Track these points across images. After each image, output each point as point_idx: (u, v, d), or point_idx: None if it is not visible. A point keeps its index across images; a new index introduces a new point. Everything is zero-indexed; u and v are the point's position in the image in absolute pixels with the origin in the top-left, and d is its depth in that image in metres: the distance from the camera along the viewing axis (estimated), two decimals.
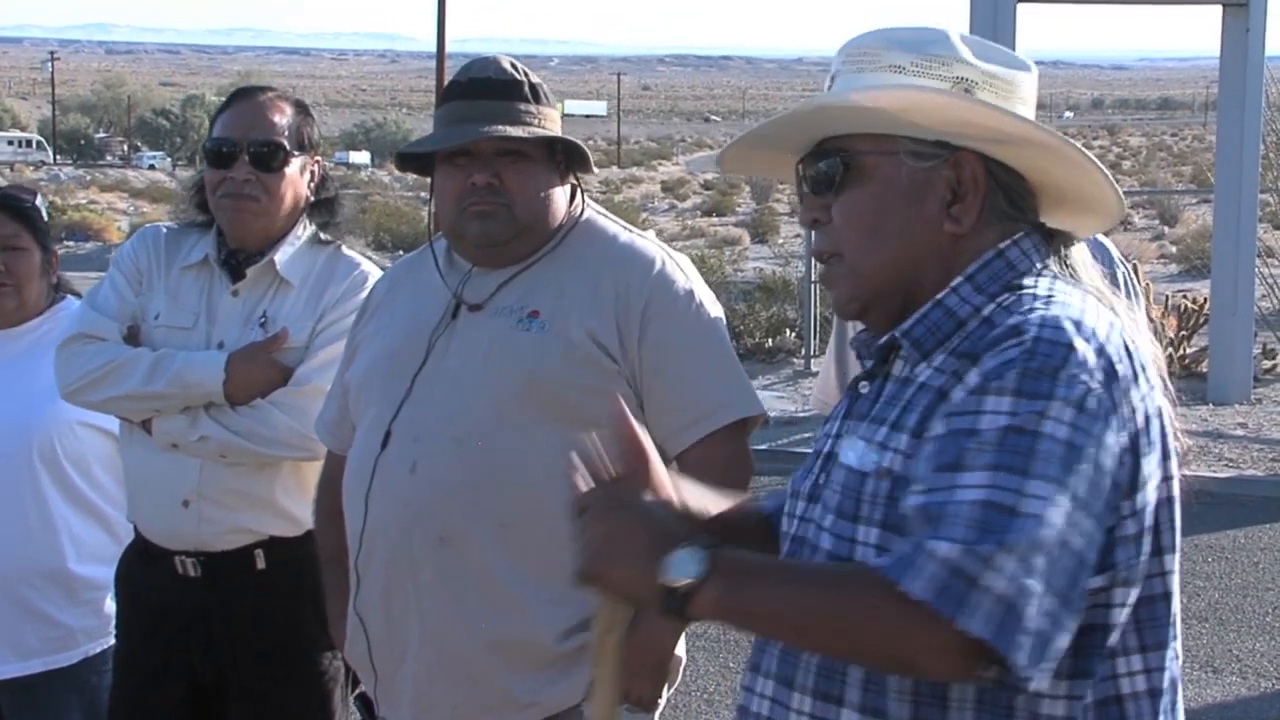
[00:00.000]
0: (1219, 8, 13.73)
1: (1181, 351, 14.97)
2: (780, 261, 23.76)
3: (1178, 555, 2.10)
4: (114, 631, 3.82)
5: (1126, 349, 2.00)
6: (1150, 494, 2.00)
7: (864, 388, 2.16)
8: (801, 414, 13.05)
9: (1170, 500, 2.06)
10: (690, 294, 3.07)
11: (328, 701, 3.62)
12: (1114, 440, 1.92)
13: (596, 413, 3.00)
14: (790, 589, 1.91)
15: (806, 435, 12.11)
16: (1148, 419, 1.99)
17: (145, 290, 3.68)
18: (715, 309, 3.12)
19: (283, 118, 3.62)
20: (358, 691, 3.40)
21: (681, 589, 1.89)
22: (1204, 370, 14.36)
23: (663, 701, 3.11)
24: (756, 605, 1.90)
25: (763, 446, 10.86)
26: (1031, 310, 1.99)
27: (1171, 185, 51.62)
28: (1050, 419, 1.87)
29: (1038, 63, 2.25)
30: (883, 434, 2.03)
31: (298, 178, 3.64)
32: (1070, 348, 1.92)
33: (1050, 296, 2.03)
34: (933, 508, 1.85)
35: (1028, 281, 2.08)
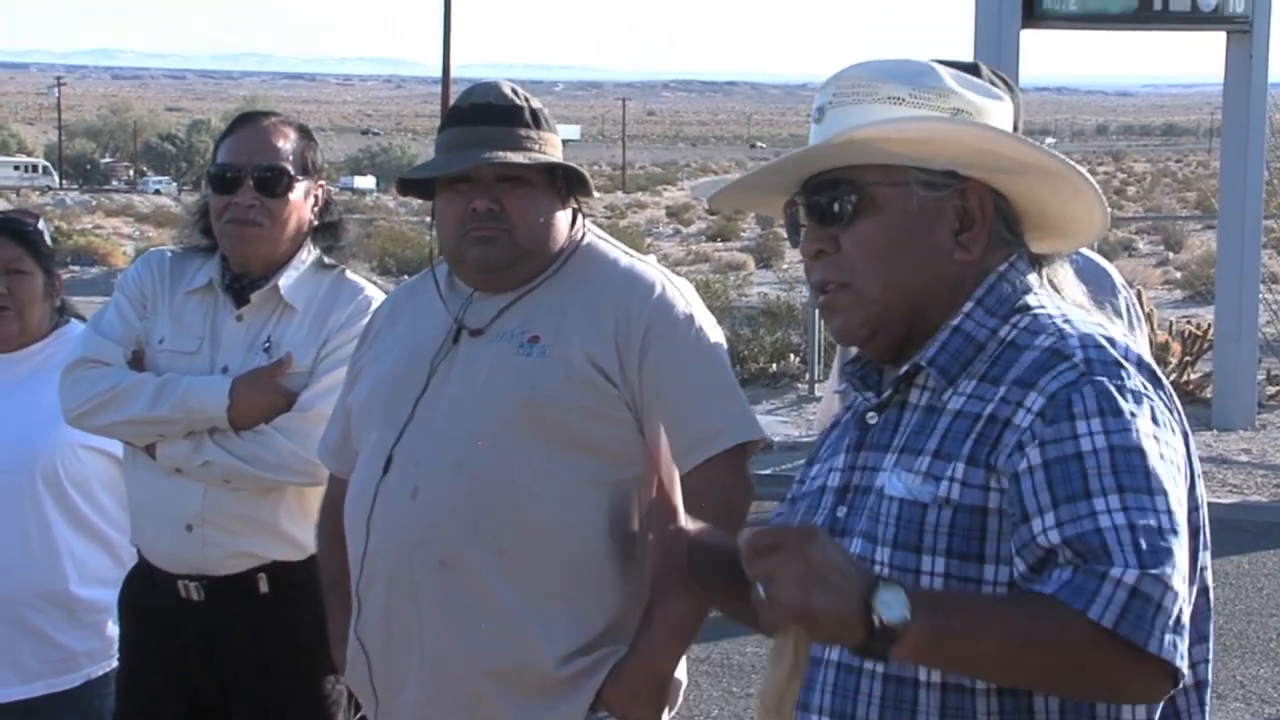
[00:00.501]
0: (1223, 34, 13.76)
1: (1186, 377, 14.96)
2: (785, 286, 23.75)
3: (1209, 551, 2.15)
4: (116, 654, 3.83)
5: (1148, 356, 2.08)
6: (1197, 493, 2.07)
7: (874, 419, 2.17)
8: (805, 439, 13.04)
9: (1202, 499, 2.12)
10: (690, 318, 3.08)
11: None
12: (1180, 445, 2.02)
13: (597, 437, 3.02)
14: (990, 626, 1.89)
15: None
16: (1183, 422, 2.07)
17: (150, 315, 3.69)
18: (715, 333, 3.13)
19: (286, 143, 3.64)
20: (359, 715, 3.40)
21: (892, 628, 1.84)
22: (1208, 396, 14.35)
23: None
24: (961, 646, 1.88)
25: (766, 471, 10.86)
26: (1059, 331, 2.06)
27: (1176, 211, 51.64)
28: (1139, 433, 1.95)
29: (1041, 89, 2.29)
30: (927, 463, 2.05)
31: (301, 202, 3.65)
32: (1119, 364, 2.01)
33: (1065, 316, 2.10)
34: (1085, 537, 1.90)
35: (1031, 301, 2.13)
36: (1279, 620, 8.09)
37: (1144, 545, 1.87)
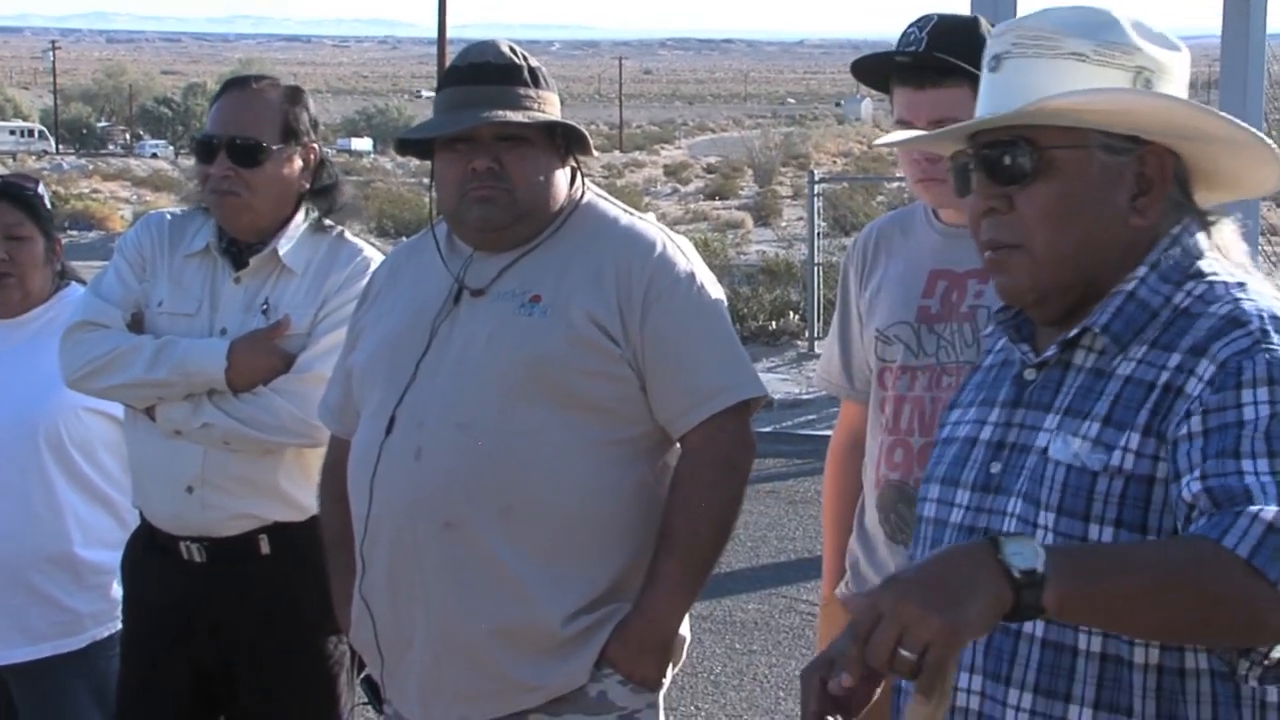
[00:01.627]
0: None
1: None
2: (784, 244, 23.74)
3: None
4: (120, 616, 3.84)
5: None
6: None
7: (1032, 375, 2.15)
8: (805, 396, 13.06)
9: None
10: (691, 276, 3.08)
11: (334, 685, 3.64)
12: None
13: (599, 396, 3.02)
14: (1132, 563, 1.85)
15: (810, 417, 12.13)
16: None
17: (149, 277, 3.69)
18: (716, 291, 3.12)
19: (269, 110, 3.61)
20: (364, 675, 3.42)
21: (1033, 573, 1.77)
22: None
23: (667, 681, 3.12)
24: (1107, 585, 1.82)
25: (767, 429, 10.88)
26: (1236, 300, 2.03)
27: None
28: None
29: None
30: (1096, 430, 2.03)
31: (283, 169, 3.62)
32: None
33: (1243, 284, 2.07)
34: (1228, 488, 1.86)
35: (1206, 268, 2.10)
36: None
37: None
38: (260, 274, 3.63)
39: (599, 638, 3.02)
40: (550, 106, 3.09)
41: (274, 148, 3.60)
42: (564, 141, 3.12)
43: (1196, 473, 1.90)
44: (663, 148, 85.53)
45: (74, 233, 33.31)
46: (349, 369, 3.27)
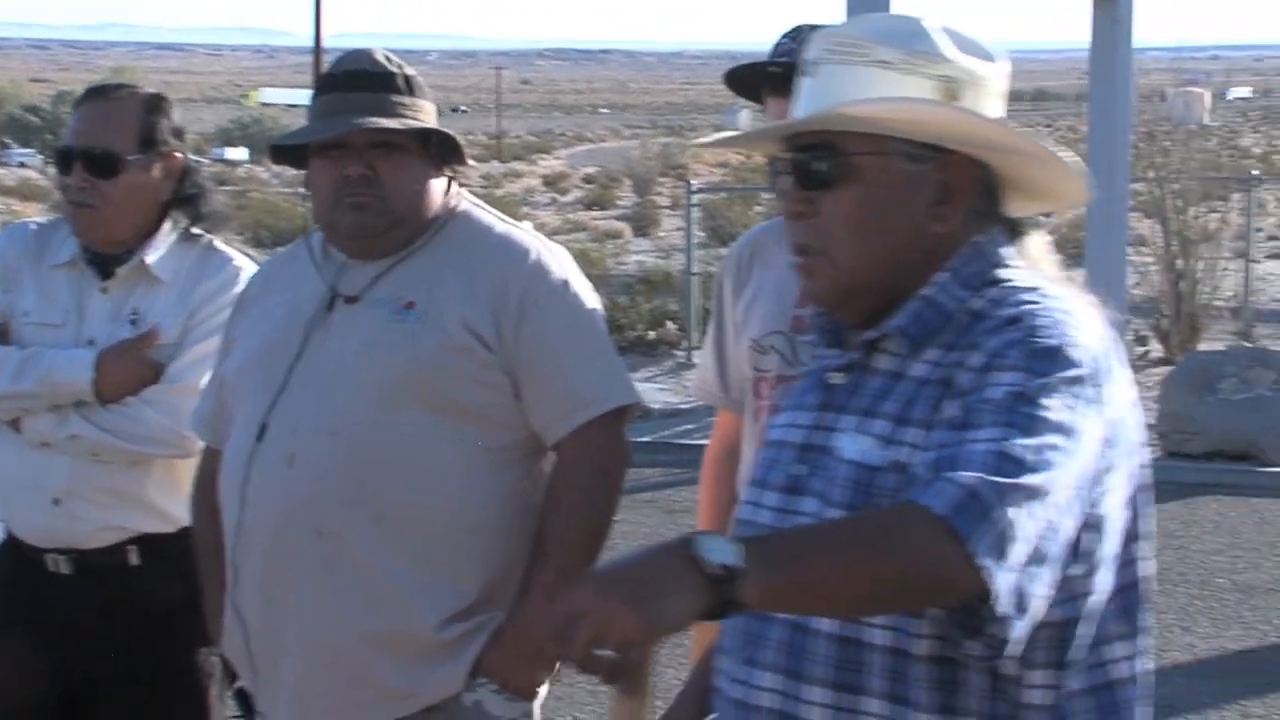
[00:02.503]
0: None
1: None
2: (662, 254, 23.81)
3: (1150, 543, 2.15)
4: None
5: (1111, 343, 2.07)
6: (1120, 484, 2.05)
7: (837, 379, 2.18)
8: (684, 405, 13.10)
9: (1141, 489, 2.12)
10: (566, 284, 3.08)
11: (203, 698, 3.60)
12: (1097, 429, 1.98)
13: (473, 403, 3.02)
14: (832, 538, 1.87)
15: (689, 427, 12.17)
16: (1123, 412, 2.06)
17: (14, 288, 3.64)
18: (592, 299, 3.13)
19: (126, 119, 3.56)
20: (237, 686, 3.38)
21: (732, 570, 1.77)
22: None
23: (543, 691, 3.11)
24: (807, 567, 1.82)
25: (645, 438, 10.90)
26: (1024, 302, 2.06)
27: None
28: (1054, 395, 1.94)
29: None
30: (884, 428, 2.06)
31: (142, 180, 3.57)
32: (1067, 336, 2.00)
33: (1036, 288, 2.10)
34: (946, 459, 1.89)
35: (1005, 275, 2.14)
36: (1157, 573, 8.24)
37: (996, 464, 1.86)
38: (128, 284, 3.58)
39: (473, 646, 3.01)
40: (425, 115, 3.09)
41: (130, 157, 3.54)
42: (439, 150, 3.12)
43: (933, 447, 1.94)
44: (541, 158, 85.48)
45: None
46: (221, 378, 3.23)
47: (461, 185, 3.21)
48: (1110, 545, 2.05)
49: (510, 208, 31.61)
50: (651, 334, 16.49)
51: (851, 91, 2.11)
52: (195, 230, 3.66)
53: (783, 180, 2.19)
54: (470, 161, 3.22)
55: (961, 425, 1.93)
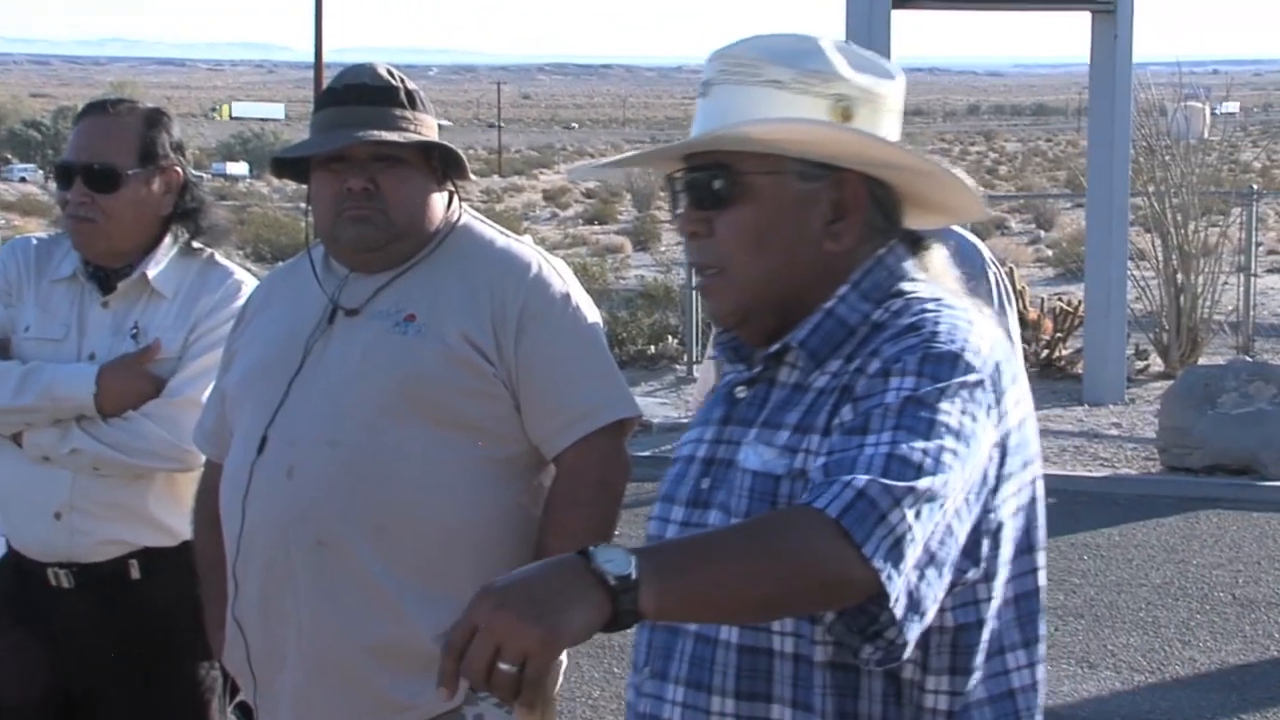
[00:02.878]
0: (1088, 14, 13.98)
1: (1057, 353, 15.21)
2: (662, 269, 23.78)
3: (1044, 554, 2.17)
4: None
5: (1007, 356, 2.09)
6: (1015, 492, 2.07)
7: (742, 393, 2.19)
8: (684, 419, 13.09)
9: (1035, 500, 2.13)
10: (566, 297, 3.09)
11: (204, 711, 3.60)
12: (991, 435, 2.00)
13: (474, 415, 3.02)
14: (716, 547, 1.86)
15: None
16: (1020, 421, 2.07)
17: (15, 303, 3.65)
18: (591, 313, 3.14)
19: (125, 134, 3.57)
20: (238, 700, 3.38)
21: (631, 579, 1.78)
22: (1079, 371, 14.61)
23: None
24: (702, 575, 1.82)
25: (645, 453, 10.89)
26: (924, 311, 2.08)
27: (1047, 190, 52.34)
28: (947, 399, 1.95)
29: (913, 70, 2.32)
30: (786, 437, 2.07)
31: (143, 194, 3.58)
32: (965, 343, 2.02)
33: (938, 299, 2.12)
34: (838, 462, 1.90)
35: (907, 287, 2.15)
36: (1148, 590, 8.26)
37: (891, 467, 1.86)
38: (129, 298, 3.59)
39: None
40: (426, 128, 3.10)
41: (130, 172, 3.55)
42: (440, 164, 3.12)
43: (825, 451, 1.95)
44: (542, 172, 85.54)
45: None
46: (222, 391, 3.24)
47: (463, 199, 3.22)
48: (1006, 553, 2.07)
49: (511, 222, 31.62)
50: (652, 348, 16.48)
51: (745, 111, 2.12)
52: (196, 244, 3.66)
53: (678, 199, 2.20)
54: (471, 176, 3.23)
55: (855, 430, 1.94)
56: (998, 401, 2.02)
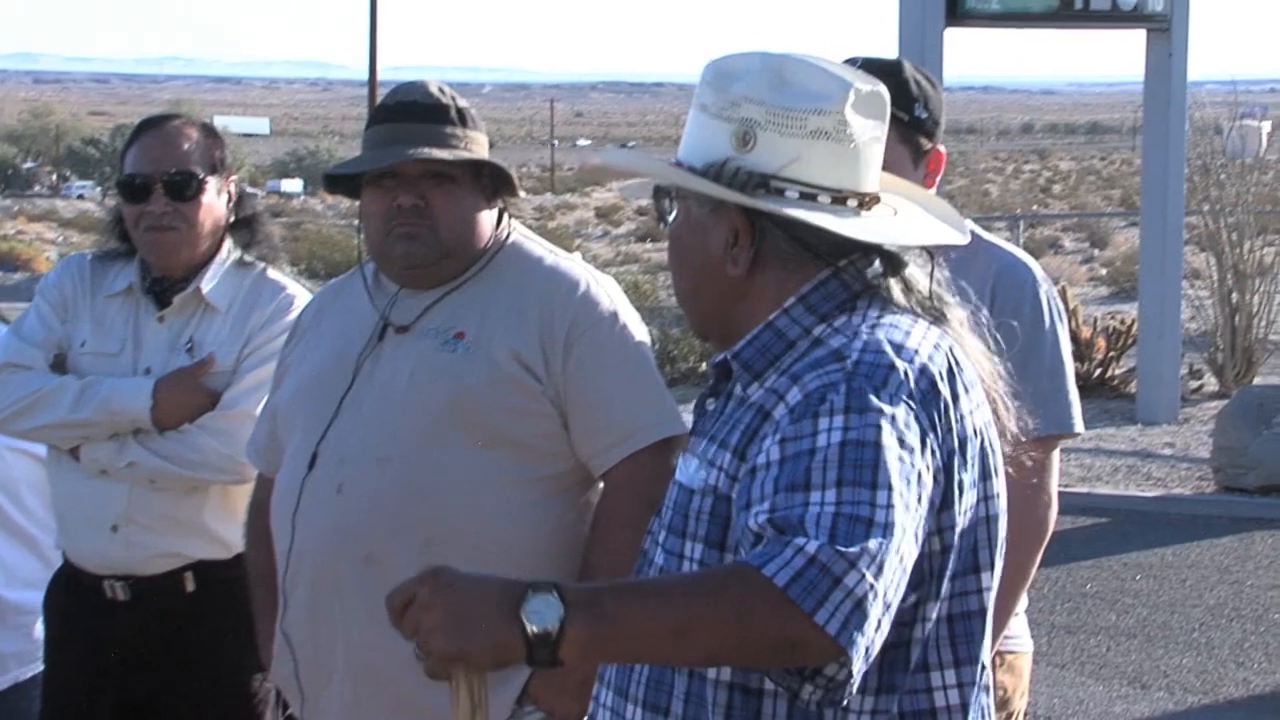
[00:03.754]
0: (1143, 32, 13.91)
1: (1110, 372, 15.12)
2: None
3: (996, 573, 2.14)
4: (42, 657, 3.80)
5: (951, 369, 2.07)
6: (963, 513, 2.06)
7: (710, 405, 2.23)
8: None
9: (990, 519, 2.12)
10: (615, 315, 3.10)
11: None
12: (929, 460, 1.98)
13: (521, 433, 3.03)
14: (655, 602, 1.89)
15: None
16: (965, 439, 2.06)
17: (71, 318, 3.68)
18: (639, 330, 3.15)
19: (191, 144, 3.62)
20: (288, 714, 3.40)
21: (550, 635, 1.84)
22: (1132, 391, 14.51)
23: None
24: (627, 627, 1.87)
25: None
26: (856, 334, 2.06)
27: (1101, 208, 52.08)
28: (883, 433, 1.93)
29: (967, 88, 2.30)
30: (712, 451, 2.10)
31: (214, 202, 3.64)
32: (890, 368, 2.00)
33: (879, 318, 2.10)
34: (789, 519, 1.88)
35: (860, 303, 2.14)
36: (1201, 611, 8.20)
37: (841, 528, 1.85)
38: (184, 312, 3.63)
39: (521, 674, 3.02)
40: (477, 146, 3.12)
41: (206, 180, 3.60)
42: (490, 182, 3.14)
43: (766, 505, 1.93)
44: (594, 190, 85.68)
45: None
46: (275, 407, 3.26)
47: (513, 217, 3.23)
48: (948, 574, 2.06)
49: (563, 239, 31.70)
50: (703, 366, 16.49)
51: (690, 134, 2.20)
52: (248, 258, 3.70)
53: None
54: (523, 193, 3.25)
55: (796, 485, 1.91)
56: (936, 421, 2.00)
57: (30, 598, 3.90)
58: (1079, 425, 3.66)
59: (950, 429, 2.03)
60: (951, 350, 2.10)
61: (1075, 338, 13.04)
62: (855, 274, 2.16)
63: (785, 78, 2.15)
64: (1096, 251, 34.96)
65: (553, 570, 3.04)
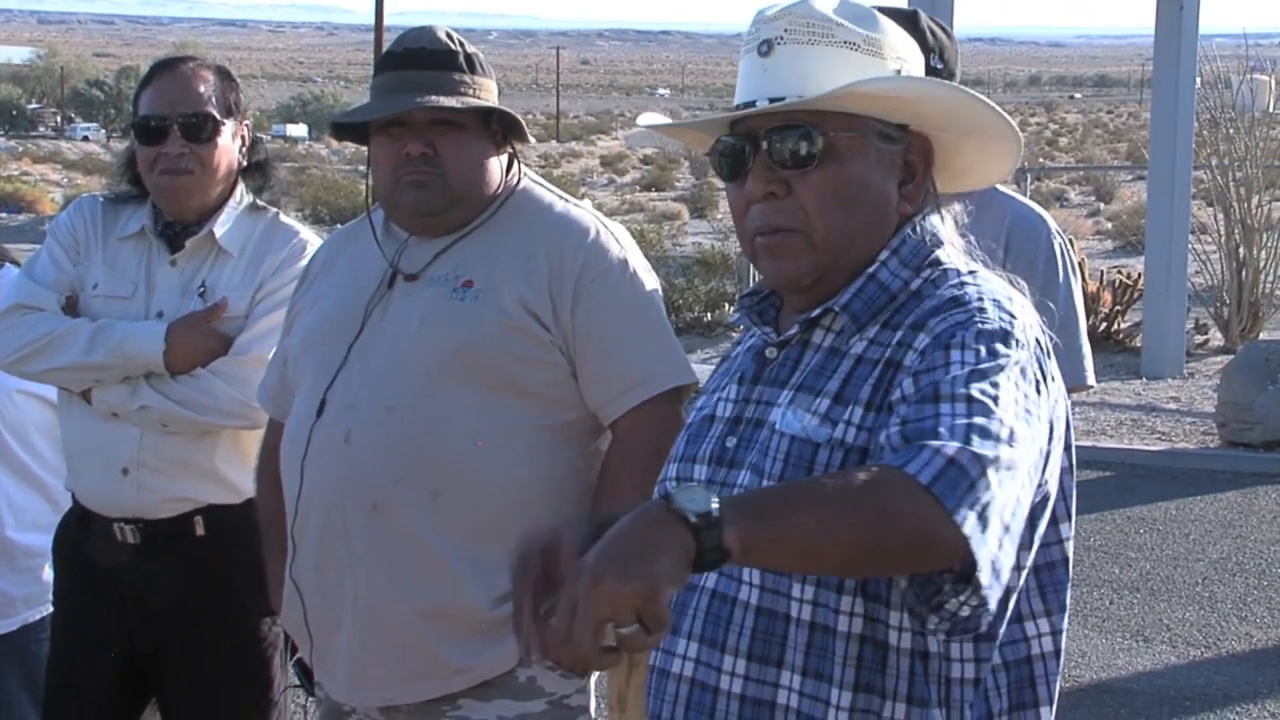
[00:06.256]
0: None
1: (1116, 326, 15.12)
2: (719, 236, 23.78)
3: (1073, 524, 2.18)
4: (52, 599, 3.82)
5: (1042, 327, 2.10)
6: (1054, 464, 2.08)
7: (773, 354, 2.19)
8: None
9: (1068, 470, 2.15)
10: (624, 263, 3.09)
11: (266, 667, 3.64)
12: (1045, 410, 2.01)
13: (530, 382, 3.03)
14: (803, 495, 1.86)
15: None
16: (1059, 395, 2.09)
17: (83, 260, 3.68)
18: (650, 279, 3.14)
19: (207, 87, 3.61)
20: (296, 657, 3.41)
21: (711, 515, 1.77)
22: (1138, 345, 14.51)
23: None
24: (788, 519, 1.82)
25: None
26: (963, 284, 2.09)
27: (1107, 162, 51.92)
28: (1008, 374, 1.96)
29: (975, 39, 2.32)
30: (826, 406, 2.07)
31: (229, 145, 3.63)
32: (1011, 317, 2.03)
33: (974, 273, 2.13)
34: (921, 429, 1.90)
35: (943, 256, 2.16)
36: (1204, 565, 8.22)
37: (974, 436, 1.87)
38: (196, 256, 3.62)
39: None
40: (486, 93, 3.10)
41: (223, 123, 3.60)
42: (500, 128, 3.13)
43: (897, 420, 1.95)
44: (599, 138, 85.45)
45: (3, 215, 32.98)
46: (285, 352, 3.26)
47: (522, 161, 3.22)
48: (1043, 523, 2.08)
49: (568, 187, 31.62)
50: (708, 315, 16.48)
51: (822, 71, 2.10)
52: (260, 203, 3.69)
53: (740, 161, 2.16)
54: (531, 140, 3.23)
55: (926, 398, 1.94)
56: (1044, 376, 2.03)
57: (39, 540, 3.91)
58: (1092, 378, 3.66)
59: (1053, 379, 2.06)
60: (1034, 312, 2.13)
61: (1081, 291, 12.98)
62: (928, 226, 2.19)
63: (887, 19, 2.19)
64: (1102, 205, 34.87)
65: (559, 518, 3.04)
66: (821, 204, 2.12)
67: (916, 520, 1.82)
